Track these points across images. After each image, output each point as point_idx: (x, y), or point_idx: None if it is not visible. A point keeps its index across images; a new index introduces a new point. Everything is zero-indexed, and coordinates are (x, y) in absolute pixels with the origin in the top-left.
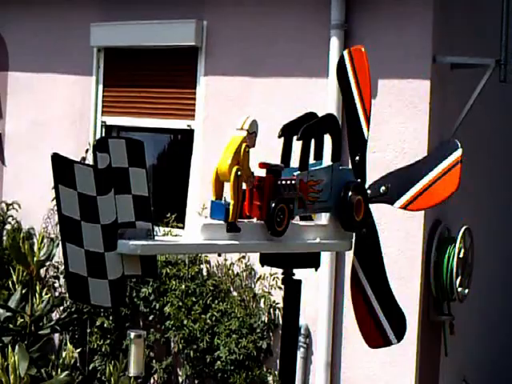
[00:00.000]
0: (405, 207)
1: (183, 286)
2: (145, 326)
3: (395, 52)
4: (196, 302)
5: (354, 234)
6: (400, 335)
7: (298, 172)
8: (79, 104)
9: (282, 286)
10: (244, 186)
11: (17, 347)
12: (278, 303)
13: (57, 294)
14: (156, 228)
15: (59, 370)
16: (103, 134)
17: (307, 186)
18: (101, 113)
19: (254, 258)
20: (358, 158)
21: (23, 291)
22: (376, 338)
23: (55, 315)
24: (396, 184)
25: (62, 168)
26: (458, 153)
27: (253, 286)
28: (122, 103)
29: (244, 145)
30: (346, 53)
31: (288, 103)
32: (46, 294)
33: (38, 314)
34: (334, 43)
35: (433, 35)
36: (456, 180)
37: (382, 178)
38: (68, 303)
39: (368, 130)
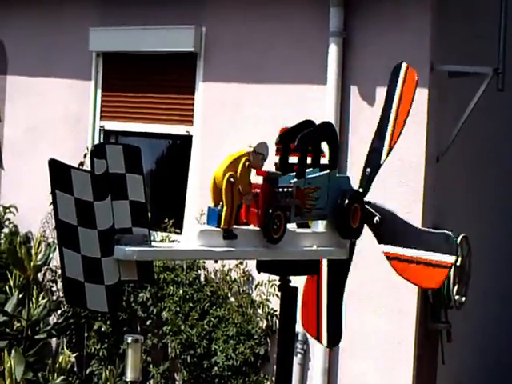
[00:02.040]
0: (388, 258)
1: (181, 292)
2: (142, 331)
3: (393, 60)
4: (193, 308)
5: (349, 241)
6: (332, 344)
7: (295, 179)
8: (78, 108)
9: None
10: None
11: (13, 351)
12: (275, 310)
13: (54, 298)
14: (154, 233)
15: (56, 375)
16: (101, 139)
17: (304, 194)
18: (99, 117)
19: (252, 265)
20: (368, 171)
21: (20, 295)
22: (312, 328)
23: (53, 319)
24: (388, 226)
25: (60, 173)
26: (451, 259)
27: (250, 292)
28: (120, 108)
29: (245, 158)
30: (404, 65)
31: (286, 110)
32: (43, 298)
33: (34, 318)
34: (333, 50)
35: (431, 43)
36: (439, 281)
37: (379, 207)
38: (65, 307)
39: (386, 157)
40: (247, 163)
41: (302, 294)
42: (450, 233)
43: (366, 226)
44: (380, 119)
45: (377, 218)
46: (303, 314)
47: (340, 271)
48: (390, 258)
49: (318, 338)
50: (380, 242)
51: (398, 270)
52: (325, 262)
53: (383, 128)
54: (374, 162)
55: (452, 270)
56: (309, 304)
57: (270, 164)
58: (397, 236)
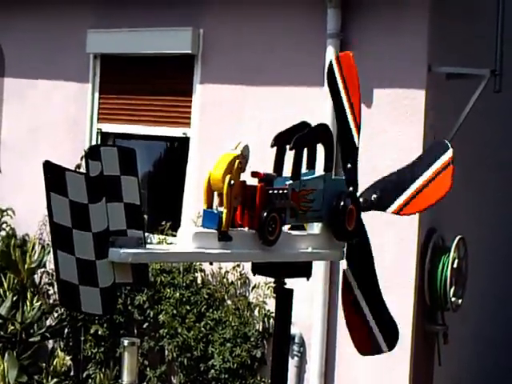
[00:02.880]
0: (398, 212)
1: (177, 294)
2: (139, 334)
3: (391, 61)
4: (190, 311)
5: (345, 244)
6: (391, 344)
7: (291, 181)
8: (75, 111)
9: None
10: None
11: (6, 355)
12: (272, 312)
13: (51, 301)
14: (151, 236)
15: (50, 377)
16: (99, 141)
17: (299, 196)
18: (96, 120)
19: (249, 267)
20: (349, 165)
21: (14, 298)
22: (367, 345)
23: (50, 322)
24: (387, 190)
25: (54, 175)
26: (449, 153)
27: (247, 294)
28: (117, 110)
29: (238, 161)
30: (334, 59)
31: (284, 112)
32: (38, 301)
33: (28, 321)
34: (330, 52)
35: (428, 45)
36: (448, 181)
37: (372, 186)
38: (62, 311)
39: (358, 137)
40: (240, 165)
41: (347, 325)
42: (438, 140)
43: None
44: (336, 114)
45: (374, 196)
46: (355, 340)
47: (366, 270)
48: (399, 211)
49: (379, 350)
50: (386, 210)
51: (411, 210)
52: (348, 271)
53: (342, 118)
54: (349, 152)
55: (449, 271)
56: (355, 324)
57: (261, 164)
58: (398, 190)
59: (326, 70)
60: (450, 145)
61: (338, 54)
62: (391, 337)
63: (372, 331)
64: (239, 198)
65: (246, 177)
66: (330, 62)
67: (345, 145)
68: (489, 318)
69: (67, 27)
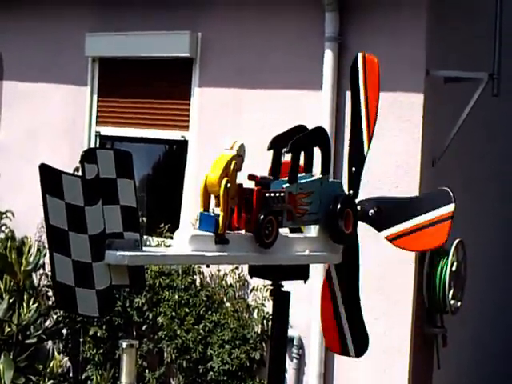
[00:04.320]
0: (391, 240)
1: (176, 297)
2: (138, 336)
3: (389, 65)
4: (189, 313)
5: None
6: (360, 352)
7: (287, 184)
8: (73, 114)
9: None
10: None
11: (2, 356)
12: (270, 314)
13: (50, 302)
14: (149, 239)
15: (46, 379)
16: (97, 145)
17: (296, 199)
18: (95, 123)
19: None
20: (354, 169)
21: (10, 300)
22: (336, 345)
23: (49, 324)
24: (385, 212)
25: (50, 178)
26: (451, 208)
27: (246, 296)
28: (116, 113)
29: (234, 162)
30: (360, 58)
31: (282, 115)
32: (35, 303)
33: (25, 323)
34: (328, 55)
35: (426, 49)
36: (444, 234)
37: (372, 199)
38: (60, 312)
39: (368, 147)
40: (236, 166)
41: (321, 318)
42: (444, 187)
43: (362, 225)
44: (352, 114)
45: (372, 211)
46: (326, 335)
47: (351, 274)
48: (393, 239)
49: (347, 354)
50: (380, 230)
51: (404, 245)
52: (333, 271)
53: (356, 123)
54: (356, 157)
55: (448, 274)
56: (329, 323)
57: (258, 167)
58: (395, 216)
59: (325, 74)
60: (453, 199)
61: (365, 54)
62: (361, 345)
63: (343, 334)
64: (236, 199)
65: (243, 179)
66: (356, 58)
67: (354, 150)
68: (488, 320)
69: (66, 30)
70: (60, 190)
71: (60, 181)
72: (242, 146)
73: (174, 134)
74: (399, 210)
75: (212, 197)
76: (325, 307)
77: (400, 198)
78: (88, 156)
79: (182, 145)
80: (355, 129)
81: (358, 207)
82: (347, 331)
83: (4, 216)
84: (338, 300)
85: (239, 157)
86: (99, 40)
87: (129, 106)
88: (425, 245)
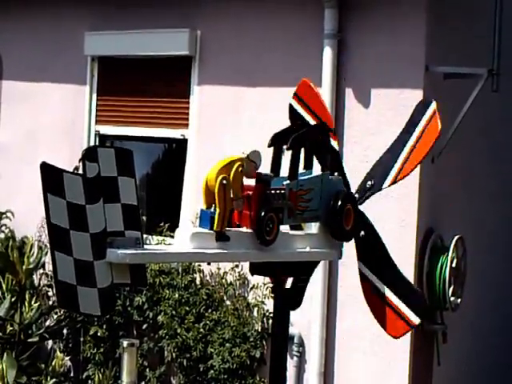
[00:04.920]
0: (394, 182)
1: (176, 295)
2: (138, 335)
3: (388, 61)
4: (189, 311)
5: (343, 243)
6: (420, 313)
7: (288, 181)
8: (73, 113)
9: None
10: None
11: (5, 355)
12: (271, 312)
13: (50, 302)
14: (149, 237)
15: (48, 378)
16: (97, 143)
17: (297, 196)
18: (94, 122)
19: (248, 267)
20: (369, 183)
21: (13, 299)
22: (399, 324)
23: (49, 323)
24: (380, 170)
25: (51, 177)
26: (433, 105)
27: (246, 295)
28: (115, 112)
29: (238, 163)
30: (433, 106)
31: (281, 112)
32: (37, 302)
33: (26, 322)
34: (328, 52)
35: (426, 45)
36: (401, 333)
37: (365, 177)
38: (61, 311)
39: (389, 185)
40: (240, 168)
41: (372, 312)
42: (425, 296)
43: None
44: (396, 141)
45: (362, 233)
46: (385, 323)
47: (379, 254)
48: (364, 280)
49: (411, 324)
50: (359, 259)
51: (370, 301)
52: (361, 264)
53: (397, 151)
54: (377, 180)
55: (448, 271)
56: (381, 310)
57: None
58: (375, 262)
59: (324, 71)
60: (432, 100)
61: (437, 108)
62: (419, 305)
63: (398, 309)
64: (240, 202)
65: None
66: (429, 101)
67: (378, 173)
68: (488, 318)
69: (65, 29)
70: (61, 188)
71: (61, 179)
72: (256, 153)
73: (173, 133)
74: (380, 260)
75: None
76: (375, 306)
77: (386, 251)
78: (89, 154)
79: (182, 143)
80: (392, 156)
81: (357, 195)
82: (401, 304)
83: (4, 216)
84: (376, 282)
85: (251, 162)
86: (98, 39)
87: (128, 105)
88: (383, 322)
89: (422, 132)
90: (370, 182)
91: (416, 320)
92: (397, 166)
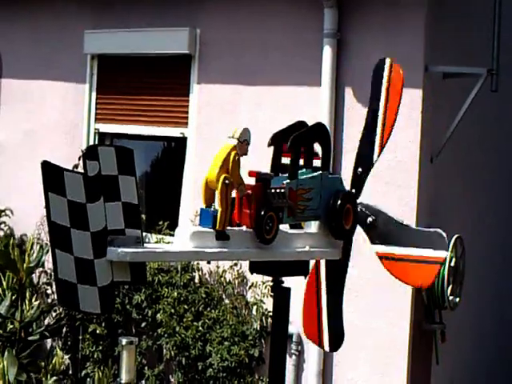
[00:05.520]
0: (381, 257)
1: (175, 294)
2: (137, 333)
3: None
4: (188, 310)
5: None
6: (334, 348)
7: (288, 180)
8: (72, 111)
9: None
10: (234, 194)
11: (6, 353)
12: (270, 311)
13: (49, 300)
14: (148, 235)
15: (49, 376)
16: (96, 142)
17: (296, 195)
18: (94, 120)
19: (247, 266)
20: (360, 170)
21: (13, 297)
22: (314, 335)
23: (48, 321)
24: (382, 226)
25: (52, 175)
26: (443, 254)
27: (245, 293)
28: (115, 111)
29: (233, 153)
30: (387, 63)
31: (280, 111)
32: (37, 300)
33: (27, 320)
34: (327, 52)
35: (425, 44)
36: (431, 277)
37: (371, 207)
38: (60, 309)
39: (379, 155)
40: (236, 157)
41: (302, 302)
42: (441, 231)
43: (358, 226)
44: (367, 117)
45: (370, 219)
46: (305, 322)
47: (338, 271)
48: (383, 257)
49: (320, 344)
50: (373, 242)
51: (390, 268)
52: (323, 264)
53: (372, 126)
54: (365, 161)
55: (446, 270)
56: (310, 310)
57: (258, 163)
58: (389, 236)
59: (323, 70)
60: (448, 247)
61: (392, 62)
62: (336, 342)
63: (321, 328)
64: (243, 187)
65: (244, 176)
66: (383, 61)
67: (364, 153)
68: (486, 317)
69: (64, 28)
70: (62, 187)
71: (62, 178)
72: (244, 131)
73: (172, 131)
74: (394, 232)
75: (215, 192)
76: (308, 294)
77: (397, 221)
78: (90, 153)
79: (181, 141)
80: (369, 132)
81: (359, 206)
82: (325, 323)
83: (3, 214)
84: (322, 292)
85: (243, 142)
86: (98, 37)
87: (128, 103)
88: (409, 279)
89: (387, 88)
90: (359, 169)
91: (442, 254)
92: (378, 132)
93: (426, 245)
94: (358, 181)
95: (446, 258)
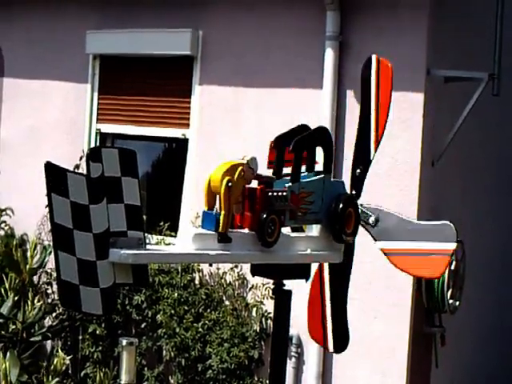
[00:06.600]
0: (386, 254)
1: (176, 295)
2: (137, 334)
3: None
4: (188, 311)
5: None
6: (339, 349)
7: (290, 184)
8: (74, 111)
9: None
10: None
11: (8, 354)
12: (269, 313)
13: (49, 300)
14: (149, 236)
15: (50, 377)
16: (98, 142)
17: (298, 198)
18: (95, 120)
19: (247, 268)
20: (358, 171)
21: (15, 298)
22: (319, 336)
23: (48, 322)
24: (386, 224)
25: (55, 177)
26: (452, 246)
27: (245, 295)
28: (116, 111)
29: (241, 168)
30: (374, 60)
31: (282, 113)
32: (39, 301)
33: (29, 320)
34: (329, 54)
35: (427, 48)
36: (442, 267)
37: (373, 208)
38: (60, 310)
39: (375, 151)
40: (242, 173)
41: (307, 304)
42: (449, 222)
43: (361, 227)
44: (360, 116)
45: (373, 218)
46: (309, 322)
47: (342, 274)
48: (388, 253)
49: (325, 345)
50: (377, 240)
51: (397, 263)
52: (326, 266)
53: (365, 124)
54: (362, 160)
55: (446, 274)
56: (314, 312)
57: (260, 166)
58: (393, 231)
59: (325, 72)
60: (456, 237)
61: (379, 57)
62: (340, 344)
63: (326, 329)
64: (240, 205)
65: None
66: (369, 58)
67: (360, 152)
68: (486, 320)
69: (67, 28)
70: (65, 188)
71: (65, 179)
72: (252, 160)
73: (174, 132)
74: (398, 227)
75: (217, 196)
76: (313, 294)
77: (401, 217)
78: (93, 155)
79: (183, 143)
80: (363, 131)
81: (360, 207)
82: (329, 325)
83: (4, 213)
84: (326, 292)
85: (250, 169)
86: (100, 37)
87: (129, 104)
88: (420, 271)
89: (377, 84)
90: (358, 170)
91: (451, 246)
92: (372, 128)
93: (432, 237)
94: (358, 181)
95: (454, 250)
